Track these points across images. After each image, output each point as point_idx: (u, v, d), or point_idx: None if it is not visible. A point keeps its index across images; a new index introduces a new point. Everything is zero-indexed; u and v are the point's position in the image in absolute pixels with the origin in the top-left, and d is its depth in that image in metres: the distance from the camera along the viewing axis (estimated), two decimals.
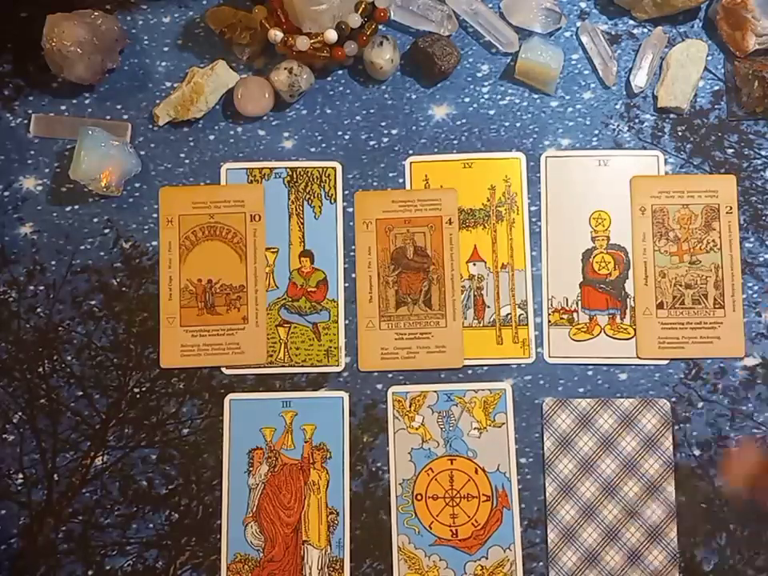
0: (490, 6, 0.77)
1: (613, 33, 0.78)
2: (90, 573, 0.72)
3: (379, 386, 0.74)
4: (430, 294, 0.75)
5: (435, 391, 0.74)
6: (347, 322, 0.75)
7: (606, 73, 0.77)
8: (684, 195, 0.75)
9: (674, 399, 0.74)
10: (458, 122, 0.77)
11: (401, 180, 0.76)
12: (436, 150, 0.76)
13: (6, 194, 0.76)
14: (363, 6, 0.74)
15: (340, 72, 0.78)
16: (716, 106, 0.77)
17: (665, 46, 0.77)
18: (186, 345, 0.74)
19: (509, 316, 0.75)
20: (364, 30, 0.75)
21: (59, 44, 0.72)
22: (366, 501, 0.73)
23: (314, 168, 0.76)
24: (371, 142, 0.77)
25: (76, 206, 0.76)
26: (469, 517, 0.73)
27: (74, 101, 0.77)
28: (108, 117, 0.77)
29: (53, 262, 0.75)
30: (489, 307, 0.75)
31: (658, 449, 0.73)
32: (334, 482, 0.73)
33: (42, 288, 0.75)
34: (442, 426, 0.74)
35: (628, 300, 0.75)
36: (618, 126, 0.77)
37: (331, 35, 0.73)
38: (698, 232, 0.75)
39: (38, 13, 0.75)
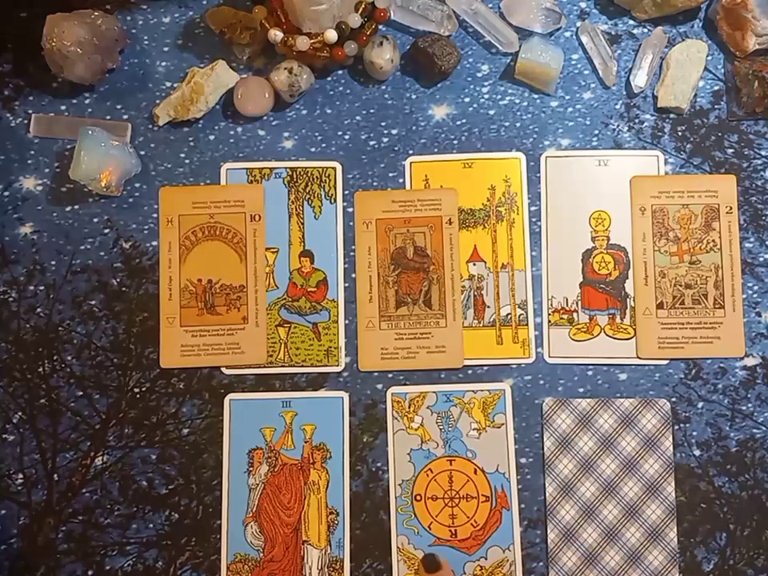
0: (490, 6, 0.77)
1: (613, 33, 0.78)
2: (89, 573, 0.72)
3: (379, 386, 0.74)
4: (429, 293, 0.75)
5: (434, 392, 0.74)
6: (347, 322, 0.75)
7: (606, 73, 0.77)
8: (684, 195, 0.75)
9: (673, 399, 0.74)
10: (458, 122, 0.77)
11: (401, 180, 0.76)
12: (436, 150, 0.76)
13: (6, 193, 0.76)
14: (363, 5, 0.74)
15: (340, 72, 0.78)
16: (716, 106, 0.77)
17: (665, 46, 0.77)
18: (186, 345, 0.74)
19: (509, 316, 0.75)
20: (364, 30, 0.75)
21: (59, 44, 0.72)
22: (366, 501, 0.73)
23: (314, 168, 0.76)
24: (371, 142, 0.77)
25: (76, 206, 0.76)
26: (468, 517, 0.73)
27: (74, 101, 0.77)
28: (108, 117, 0.77)
29: (53, 262, 0.75)
30: (489, 307, 0.75)
31: (658, 449, 0.73)
32: (334, 482, 0.73)
33: (42, 288, 0.75)
34: (441, 427, 0.73)
35: (628, 300, 0.75)
36: (618, 125, 0.76)
37: (331, 35, 0.73)
38: (698, 232, 0.75)
39: (38, 13, 0.75)
